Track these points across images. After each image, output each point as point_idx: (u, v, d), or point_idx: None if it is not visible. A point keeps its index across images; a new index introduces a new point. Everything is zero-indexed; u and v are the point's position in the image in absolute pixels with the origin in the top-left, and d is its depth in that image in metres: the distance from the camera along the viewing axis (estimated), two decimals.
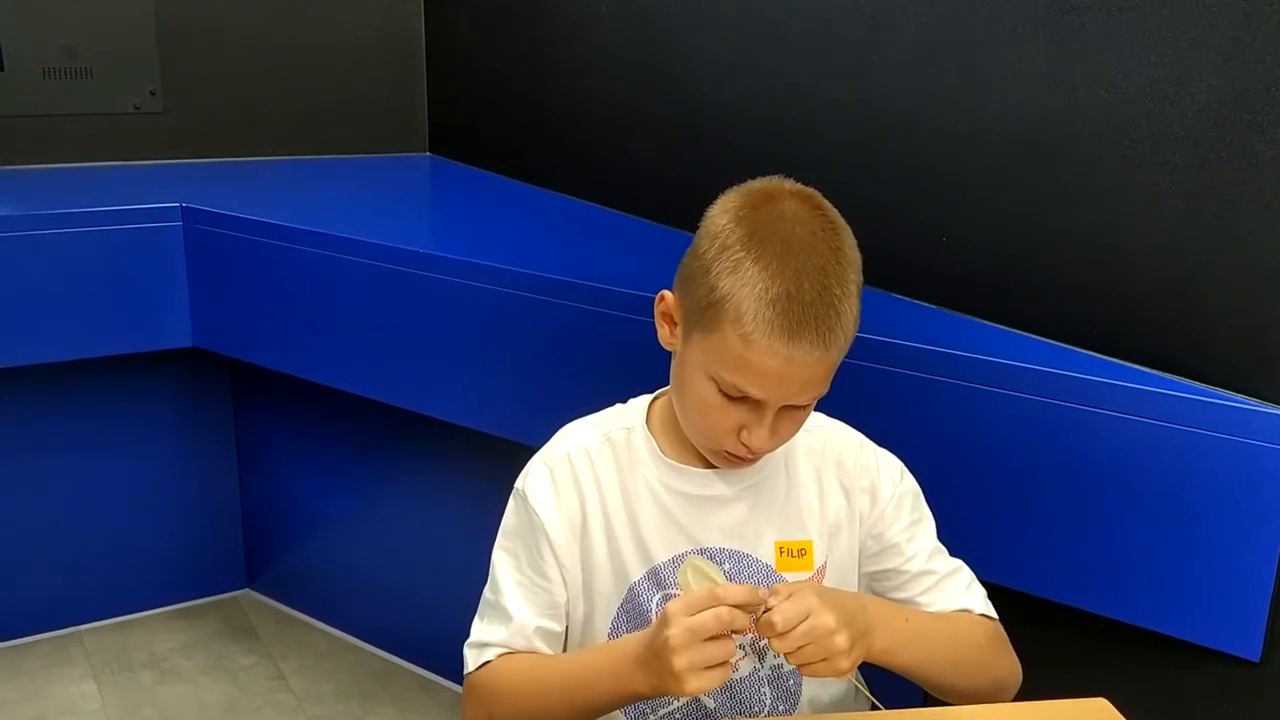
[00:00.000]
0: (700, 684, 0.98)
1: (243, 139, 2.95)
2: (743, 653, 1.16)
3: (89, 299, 2.24)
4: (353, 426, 2.47)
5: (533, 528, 1.16)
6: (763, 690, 1.18)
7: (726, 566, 1.15)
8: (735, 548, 1.16)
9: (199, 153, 2.90)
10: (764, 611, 0.99)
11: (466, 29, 2.96)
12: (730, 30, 2.11)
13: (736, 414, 1.07)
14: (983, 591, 1.22)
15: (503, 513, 1.21)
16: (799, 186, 1.09)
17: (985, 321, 1.68)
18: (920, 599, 1.19)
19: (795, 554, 1.17)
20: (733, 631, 0.98)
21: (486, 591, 1.19)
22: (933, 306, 1.76)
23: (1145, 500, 1.39)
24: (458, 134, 3.08)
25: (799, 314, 1.01)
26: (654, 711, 1.18)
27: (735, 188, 1.10)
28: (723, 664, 0.98)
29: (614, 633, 1.17)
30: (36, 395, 2.47)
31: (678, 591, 1.11)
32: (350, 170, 2.98)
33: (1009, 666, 1.19)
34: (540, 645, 1.16)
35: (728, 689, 1.17)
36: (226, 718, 2.34)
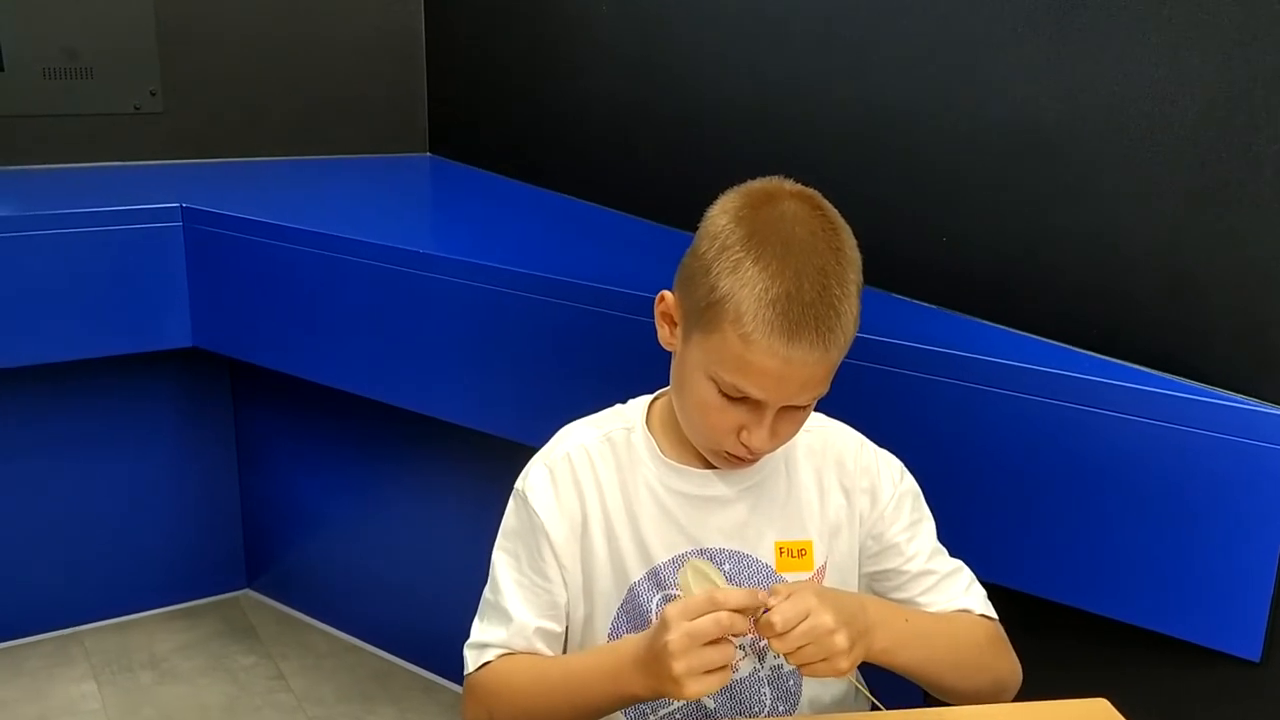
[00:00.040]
0: (699, 688, 0.98)
1: (243, 139, 2.95)
2: (743, 653, 1.16)
3: (89, 299, 2.24)
4: (353, 427, 2.47)
5: (533, 528, 1.16)
6: (763, 690, 1.18)
7: (727, 567, 1.15)
8: (735, 548, 1.16)
9: (199, 153, 2.90)
10: (764, 612, 0.99)
11: (466, 29, 2.96)
12: (730, 30, 2.11)
13: (736, 414, 1.07)
14: (982, 592, 1.22)
15: (503, 513, 1.21)
16: (799, 187, 1.10)
17: (985, 321, 1.68)
18: (920, 599, 1.19)
19: (795, 554, 1.17)
20: (733, 634, 0.98)
21: (486, 592, 1.19)
22: (933, 306, 1.76)
23: (1145, 500, 1.39)
24: (458, 134, 3.08)
25: (799, 314, 1.01)
26: (654, 712, 1.18)
27: (735, 188, 1.10)
28: (722, 668, 0.98)
29: (614, 633, 1.17)
30: (37, 395, 2.47)
31: (678, 592, 1.11)
32: (350, 170, 2.98)
33: (1009, 667, 1.19)
34: (540, 646, 1.16)
35: (728, 689, 1.17)
36: (227, 718, 2.34)
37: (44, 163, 2.75)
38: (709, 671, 0.98)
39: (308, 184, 2.82)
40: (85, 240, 2.22)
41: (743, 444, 1.09)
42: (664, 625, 0.99)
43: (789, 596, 1.00)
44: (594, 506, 1.17)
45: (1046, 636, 1.39)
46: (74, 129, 2.76)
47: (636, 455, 1.18)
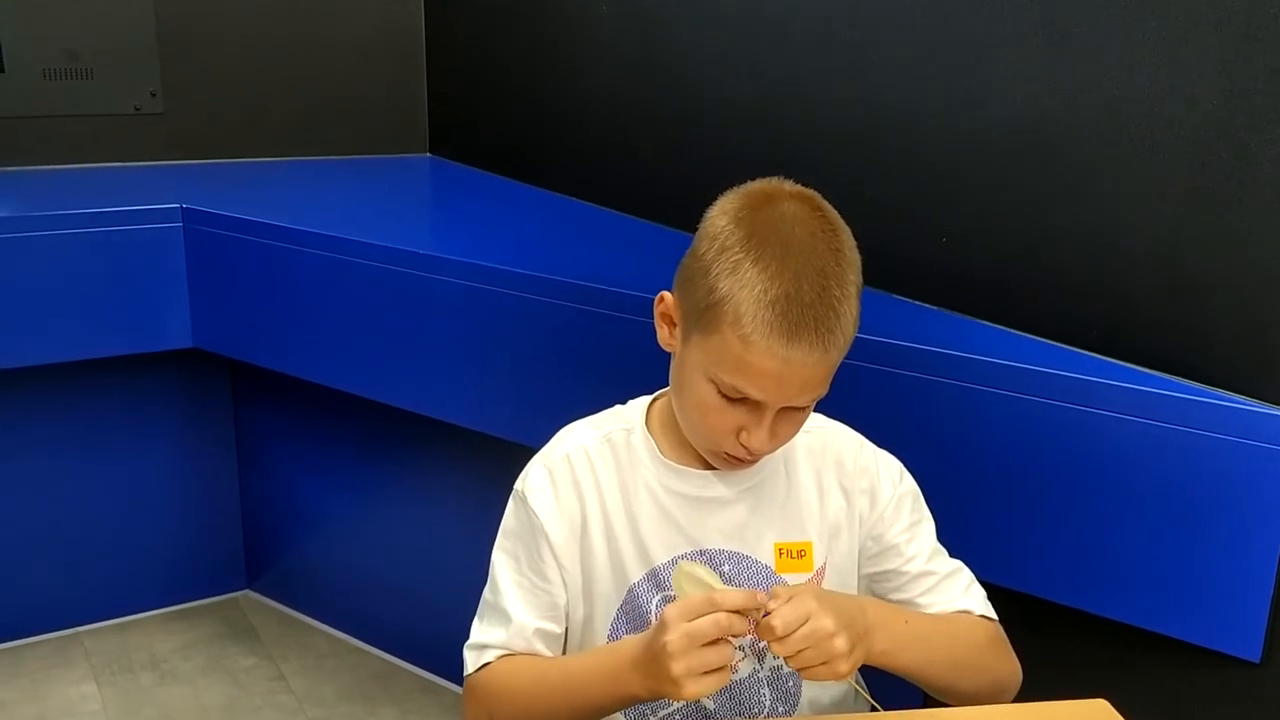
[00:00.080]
0: (698, 689, 0.98)
1: (243, 140, 2.95)
2: (742, 654, 1.16)
3: (89, 300, 2.25)
4: (353, 427, 2.47)
5: (532, 529, 1.16)
6: (762, 691, 1.18)
7: (726, 568, 1.15)
8: (735, 549, 1.16)
9: (199, 153, 2.90)
10: (763, 615, 0.99)
11: (466, 29, 2.96)
12: (730, 30, 2.11)
13: (736, 415, 1.07)
14: (982, 592, 1.22)
15: (503, 514, 1.20)
16: (798, 188, 1.09)
17: (985, 322, 1.68)
18: (920, 600, 1.19)
19: (795, 555, 1.17)
20: (731, 635, 0.98)
21: (486, 593, 1.19)
22: (933, 307, 1.76)
23: (1145, 501, 1.39)
24: (458, 134, 3.08)
25: (798, 315, 1.01)
26: (654, 713, 1.18)
27: (735, 189, 1.10)
28: (720, 669, 0.98)
29: (614, 634, 1.17)
30: (37, 396, 2.47)
31: (677, 593, 1.11)
32: (350, 171, 2.98)
33: (1009, 667, 1.19)
34: (540, 647, 1.16)
35: (727, 690, 1.17)
36: (227, 718, 2.34)
37: (44, 163, 2.75)
38: (707, 672, 0.98)
39: (308, 184, 2.82)
40: (85, 241, 2.23)
41: (742, 445, 1.09)
42: (663, 626, 0.99)
43: (789, 600, 0.99)
44: (593, 507, 1.17)
45: (1046, 637, 1.39)
46: (74, 130, 2.76)
47: (636, 456, 1.18)
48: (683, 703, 1.16)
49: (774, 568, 1.16)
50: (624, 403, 1.24)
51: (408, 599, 2.49)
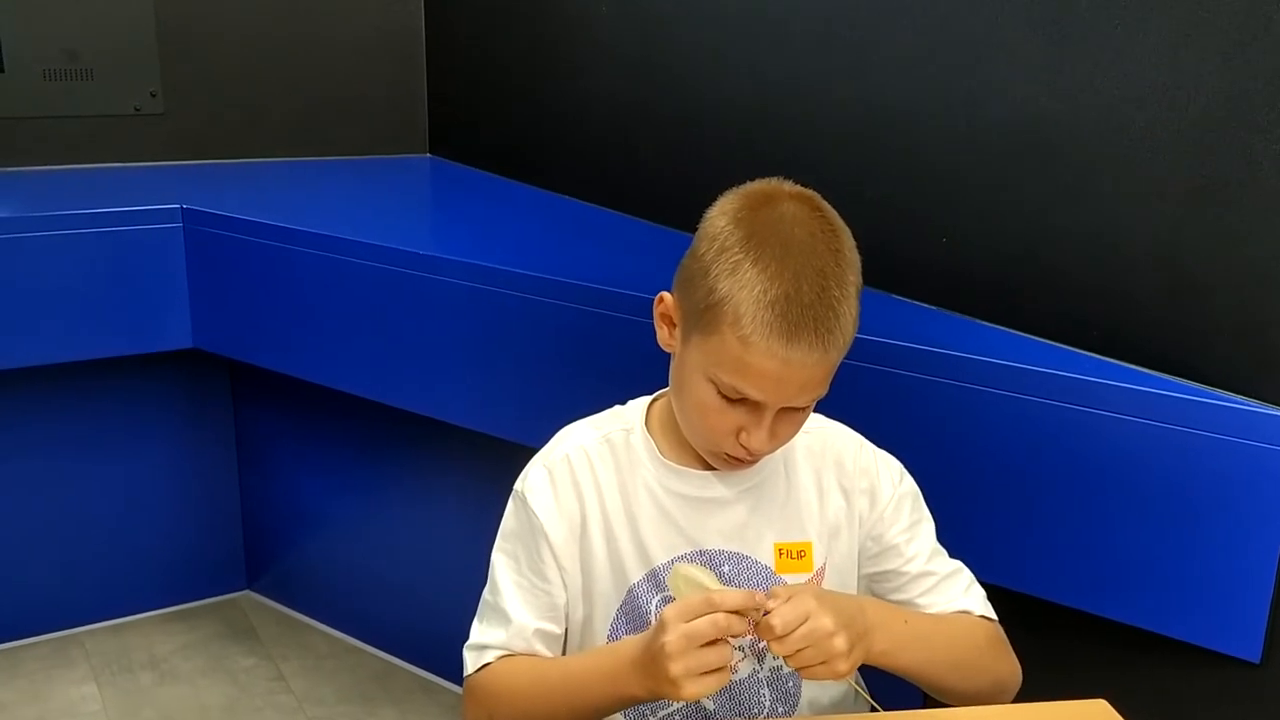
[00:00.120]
0: (697, 689, 0.98)
1: (243, 140, 2.95)
2: (742, 654, 1.16)
3: (89, 300, 2.24)
4: (353, 428, 2.47)
5: (532, 530, 1.16)
6: (762, 692, 1.18)
7: (726, 569, 1.15)
8: (735, 549, 1.16)
9: (199, 154, 2.90)
10: (763, 614, 0.99)
11: (466, 29, 2.96)
12: (730, 30, 2.11)
13: (735, 416, 1.07)
14: (982, 593, 1.22)
15: (503, 514, 1.20)
16: (798, 188, 1.09)
17: (985, 322, 1.68)
18: (920, 600, 1.19)
19: (795, 555, 1.17)
20: (730, 635, 0.98)
21: (486, 593, 1.19)
22: (932, 307, 1.76)
23: (1145, 501, 1.39)
24: (458, 134, 3.08)
25: (797, 316, 1.01)
26: (653, 713, 1.18)
27: (734, 189, 1.10)
28: (719, 669, 0.98)
29: (613, 635, 1.17)
30: (36, 396, 2.47)
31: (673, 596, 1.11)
32: (350, 171, 2.98)
33: (1009, 668, 1.19)
34: (539, 647, 1.16)
35: (727, 691, 1.17)
36: (227, 719, 2.34)
37: (44, 164, 2.75)
38: (706, 673, 0.98)
39: (308, 184, 2.82)
40: (85, 241, 2.23)
41: (742, 445, 1.09)
42: (661, 627, 0.99)
43: (788, 599, 0.99)
44: (593, 508, 1.17)
45: (1046, 637, 1.39)
46: (74, 130, 2.76)
47: (636, 456, 1.18)
48: (682, 703, 1.16)
49: (774, 568, 1.16)
50: (624, 403, 1.24)
51: (408, 599, 2.49)
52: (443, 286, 1.97)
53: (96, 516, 2.60)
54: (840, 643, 0.99)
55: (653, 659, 0.99)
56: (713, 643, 0.97)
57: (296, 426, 2.63)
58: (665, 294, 1.13)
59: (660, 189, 2.31)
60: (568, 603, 1.17)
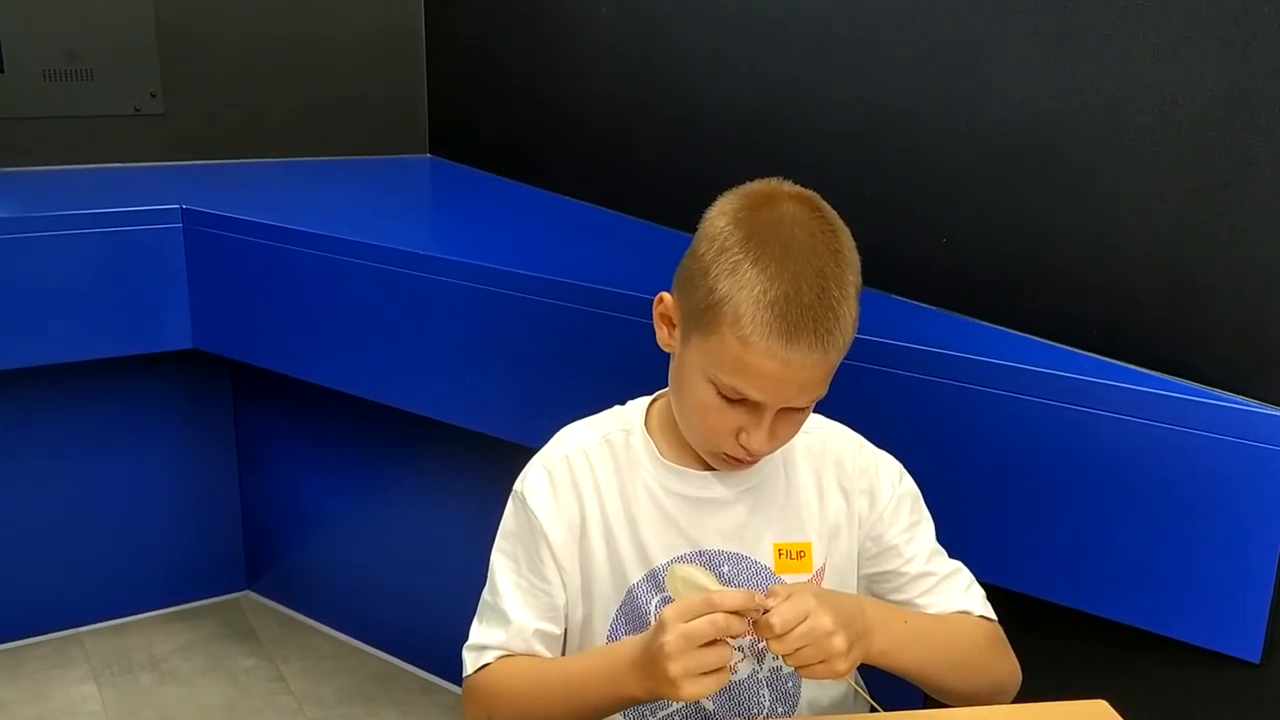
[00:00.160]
0: (696, 690, 0.98)
1: (243, 140, 2.95)
2: (741, 655, 1.16)
3: (89, 300, 2.24)
4: (353, 428, 2.47)
5: (531, 530, 1.16)
6: (761, 692, 1.18)
7: (725, 569, 1.15)
8: (734, 550, 1.16)
9: (199, 154, 2.90)
10: (763, 614, 0.99)
11: (466, 29, 2.96)
12: (730, 30, 2.11)
13: (735, 416, 1.07)
14: (982, 593, 1.22)
15: (503, 514, 1.20)
16: (798, 188, 1.09)
17: (985, 322, 1.68)
18: (919, 601, 1.19)
19: (794, 556, 1.17)
20: (729, 635, 0.98)
21: (485, 594, 1.19)
22: (932, 307, 1.76)
23: (1145, 501, 1.39)
24: (458, 134, 3.08)
25: (797, 316, 1.01)
26: (653, 714, 1.18)
27: (734, 190, 1.10)
28: (719, 669, 0.98)
29: (613, 635, 1.17)
30: (36, 396, 2.47)
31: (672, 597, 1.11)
32: (350, 171, 2.98)
33: (1008, 668, 1.19)
34: (539, 648, 1.16)
35: (726, 691, 1.16)
36: (227, 719, 2.34)
37: (44, 164, 2.75)
38: (705, 673, 0.97)
39: (308, 185, 2.82)
40: (85, 241, 2.23)
41: (741, 446, 1.09)
42: (661, 627, 0.99)
43: (788, 598, 0.99)
44: (592, 508, 1.17)
45: (1046, 637, 1.39)
46: (74, 130, 2.76)
47: (635, 457, 1.18)
48: (682, 704, 1.16)
49: (773, 568, 1.16)
50: (623, 403, 1.24)
51: (408, 600, 2.49)
52: (442, 287, 1.97)
53: (96, 516, 2.60)
54: (839, 642, 0.99)
55: (652, 659, 0.99)
56: (712, 643, 0.97)
57: (296, 426, 2.63)
58: (665, 294, 1.13)
59: (660, 189, 2.31)
60: (567, 603, 1.17)
